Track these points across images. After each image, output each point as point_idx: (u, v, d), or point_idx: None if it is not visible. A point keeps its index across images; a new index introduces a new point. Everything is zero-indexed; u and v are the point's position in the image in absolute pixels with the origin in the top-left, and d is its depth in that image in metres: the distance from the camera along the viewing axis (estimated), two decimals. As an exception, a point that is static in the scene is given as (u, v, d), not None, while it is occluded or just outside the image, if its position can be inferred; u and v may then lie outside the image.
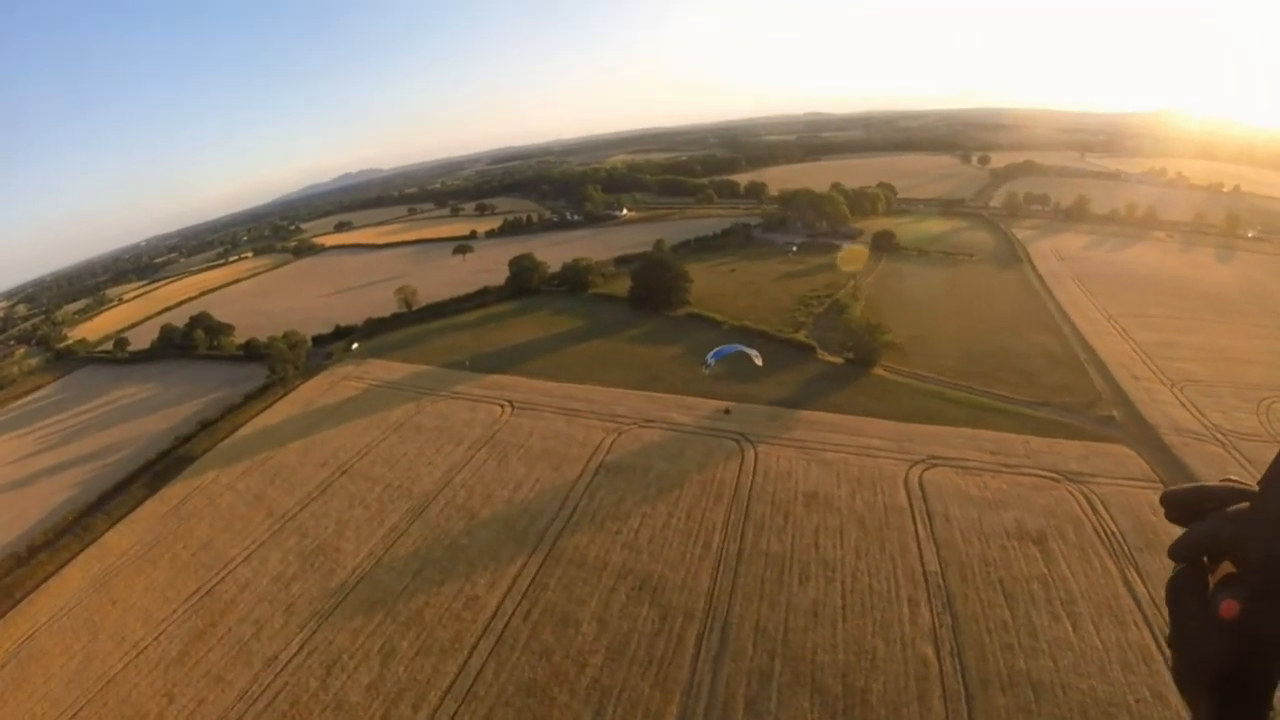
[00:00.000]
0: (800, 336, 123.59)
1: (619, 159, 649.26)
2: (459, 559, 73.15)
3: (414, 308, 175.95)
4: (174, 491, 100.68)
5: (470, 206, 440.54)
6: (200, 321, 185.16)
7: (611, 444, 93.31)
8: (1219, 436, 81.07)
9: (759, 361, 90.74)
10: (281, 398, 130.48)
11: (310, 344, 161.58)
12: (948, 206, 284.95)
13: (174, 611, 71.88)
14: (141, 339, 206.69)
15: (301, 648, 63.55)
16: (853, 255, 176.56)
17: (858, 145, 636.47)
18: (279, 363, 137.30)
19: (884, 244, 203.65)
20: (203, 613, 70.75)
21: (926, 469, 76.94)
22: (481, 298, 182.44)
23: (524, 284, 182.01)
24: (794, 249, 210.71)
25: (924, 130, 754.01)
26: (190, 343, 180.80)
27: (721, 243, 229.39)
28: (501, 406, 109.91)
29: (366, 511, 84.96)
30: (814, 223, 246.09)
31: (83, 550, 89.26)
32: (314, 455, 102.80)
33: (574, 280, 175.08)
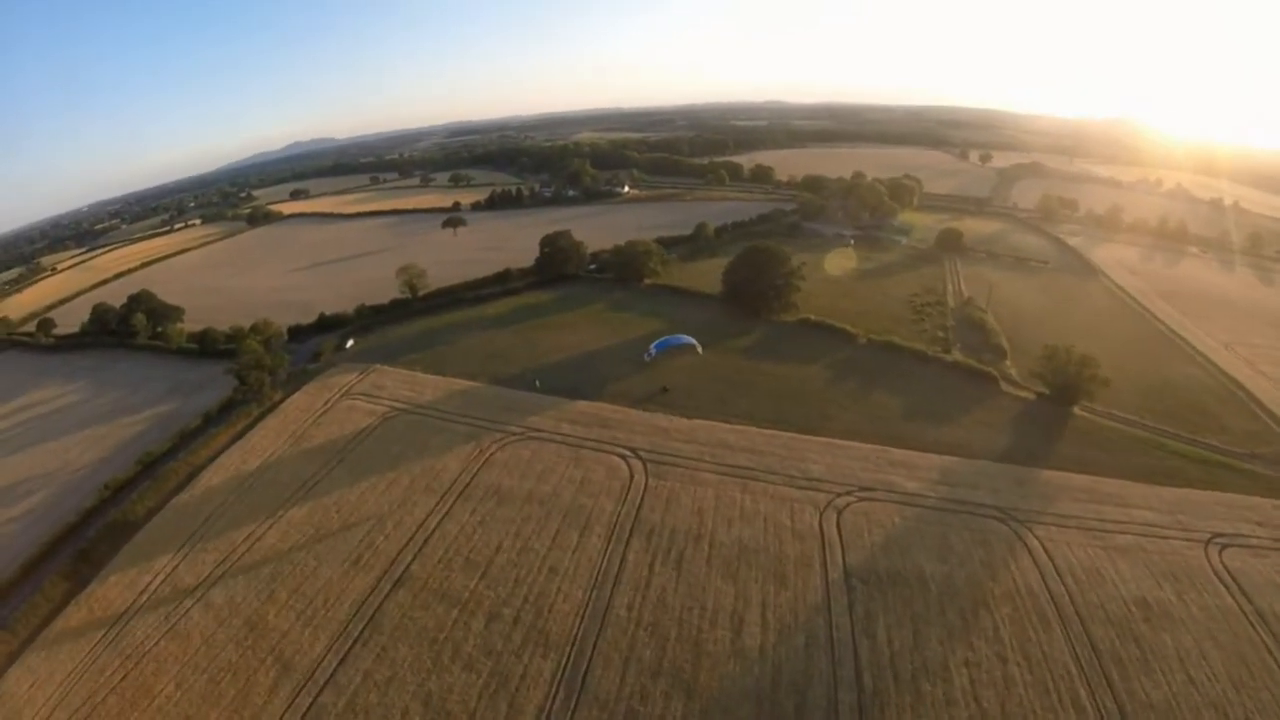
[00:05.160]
0: (962, 358, 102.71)
1: (587, 136, 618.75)
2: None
3: (419, 293, 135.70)
4: (109, 593, 62.31)
5: (443, 177, 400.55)
6: (141, 302, 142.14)
7: (839, 530, 62.32)
8: None
9: (700, 350, 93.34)
10: (257, 422, 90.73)
11: (285, 337, 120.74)
12: (979, 205, 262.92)
13: None
14: (72, 319, 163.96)
15: None
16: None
17: (835, 135, 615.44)
18: (252, 371, 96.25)
19: (951, 244, 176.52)
20: None
21: (1220, 551, 63.09)
22: (505, 282, 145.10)
23: (559, 268, 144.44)
24: (850, 241, 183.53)
25: (896, 124, 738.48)
26: (128, 328, 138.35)
27: (762, 230, 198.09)
28: (623, 458, 73.82)
29: (473, 677, 48.24)
30: (857, 213, 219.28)
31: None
32: (333, 539, 65.23)
33: (626, 267, 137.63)
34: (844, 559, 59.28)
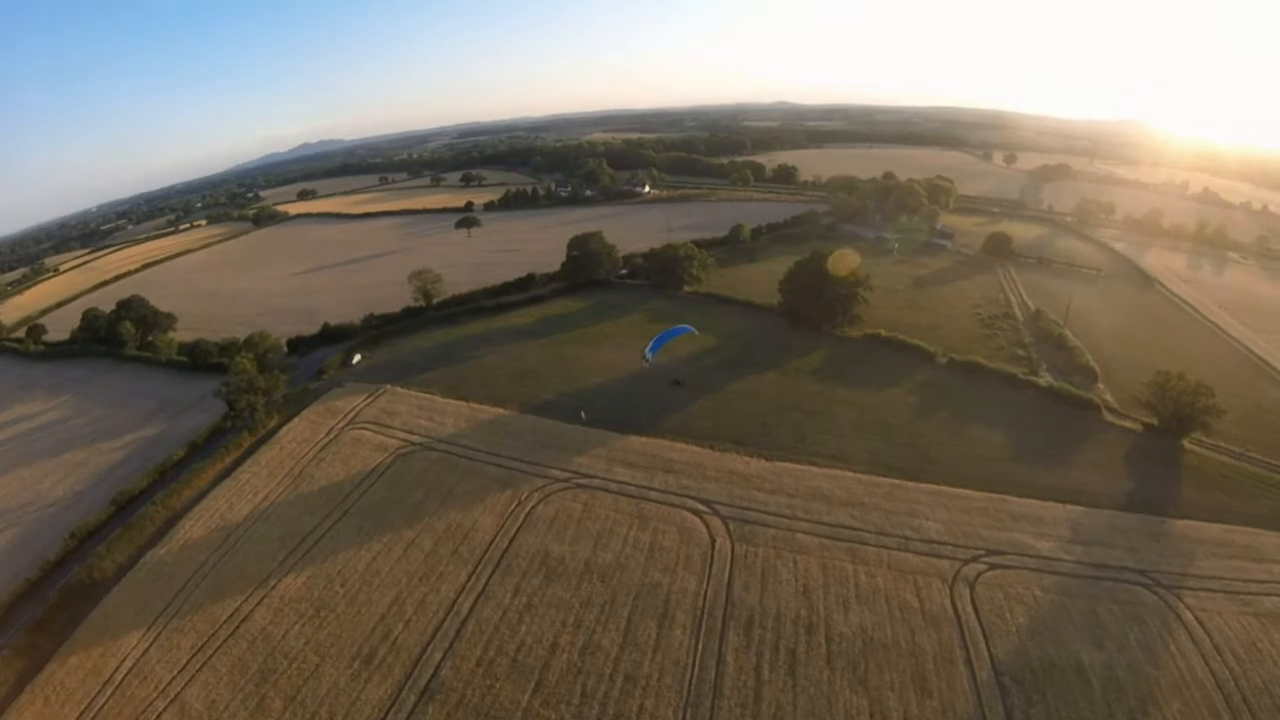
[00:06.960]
0: (1055, 382, 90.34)
1: (600, 136, 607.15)
2: None
3: (434, 300, 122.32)
4: (67, 681, 49.79)
5: (454, 177, 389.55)
6: (131, 309, 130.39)
7: (975, 610, 50.02)
8: None
9: (696, 333, 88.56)
10: (249, 455, 77.54)
11: (284, 350, 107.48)
12: (1013, 208, 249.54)
13: None
14: (66, 324, 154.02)
15: None
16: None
17: (852, 135, 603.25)
18: (243, 395, 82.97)
19: (1000, 249, 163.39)
20: None
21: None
22: (529, 288, 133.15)
23: (589, 273, 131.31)
24: (895, 245, 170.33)
25: (908, 125, 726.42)
26: (117, 336, 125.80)
27: (798, 232, 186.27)
28: (699, 515, 60.05)
29: None
30: (895, 216, 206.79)
31: None
32: (339, 624, 51.71)
33: (664, 273, 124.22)
34: (989, 649, 47.01)
